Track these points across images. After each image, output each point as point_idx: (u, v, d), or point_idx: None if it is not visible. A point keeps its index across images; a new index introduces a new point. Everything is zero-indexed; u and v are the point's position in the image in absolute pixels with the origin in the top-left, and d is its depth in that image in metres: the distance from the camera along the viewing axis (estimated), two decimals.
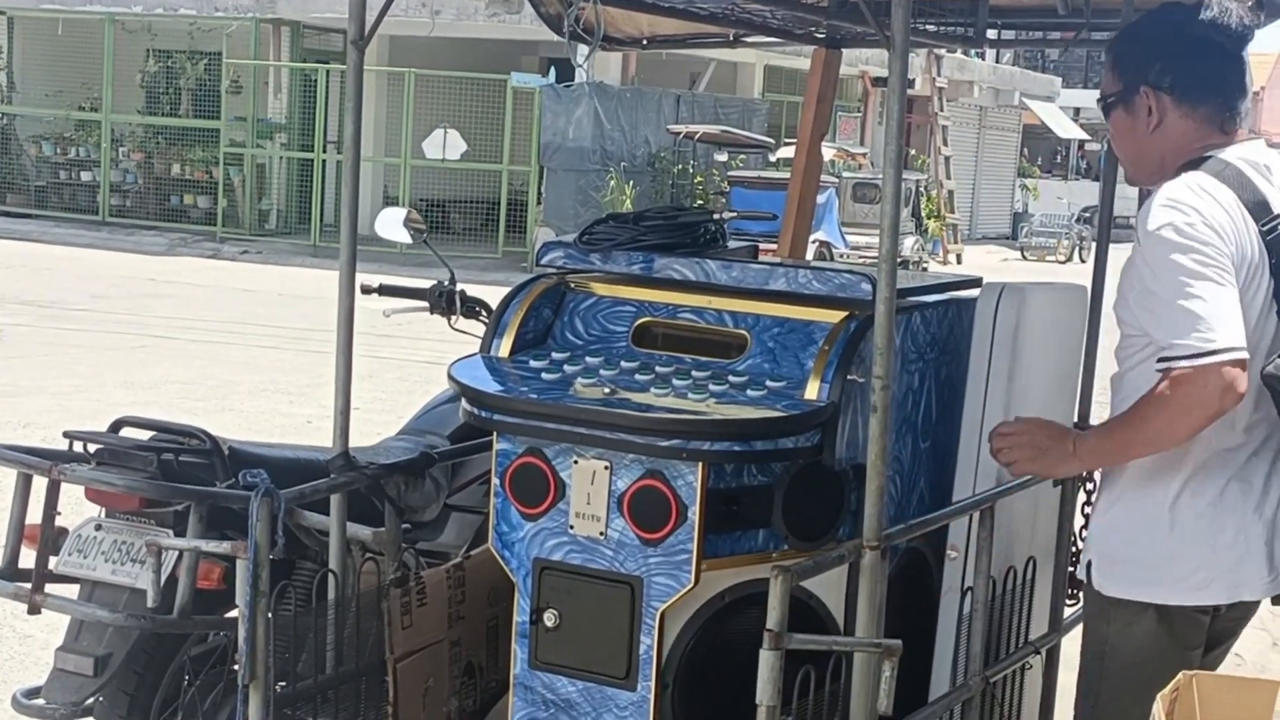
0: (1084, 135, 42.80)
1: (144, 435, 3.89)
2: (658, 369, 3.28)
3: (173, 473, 3.70)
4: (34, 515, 3.64)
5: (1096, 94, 3.34)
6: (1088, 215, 30.71)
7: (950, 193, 29.15)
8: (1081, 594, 3.42)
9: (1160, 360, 2.89)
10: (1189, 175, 3.02)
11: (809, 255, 18.79)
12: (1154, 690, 2.63)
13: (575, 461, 3.15)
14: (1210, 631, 3.17)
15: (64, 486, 3.63)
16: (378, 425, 7.64)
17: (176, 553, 3.53)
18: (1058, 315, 3.75)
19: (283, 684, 3.29)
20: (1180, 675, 2.64)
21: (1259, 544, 3.06)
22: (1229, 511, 3.05)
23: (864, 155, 26.43)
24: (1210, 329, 2.83)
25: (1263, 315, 3.00)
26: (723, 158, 23.43)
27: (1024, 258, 30.00)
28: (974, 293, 3.64)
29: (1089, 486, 3.91)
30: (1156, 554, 3.08)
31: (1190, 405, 2.85)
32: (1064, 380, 3.81)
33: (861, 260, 18.47)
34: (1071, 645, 3.70)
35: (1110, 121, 3.21)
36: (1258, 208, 3.01)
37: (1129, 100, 3.15)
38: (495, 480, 3.26)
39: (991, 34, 4.61)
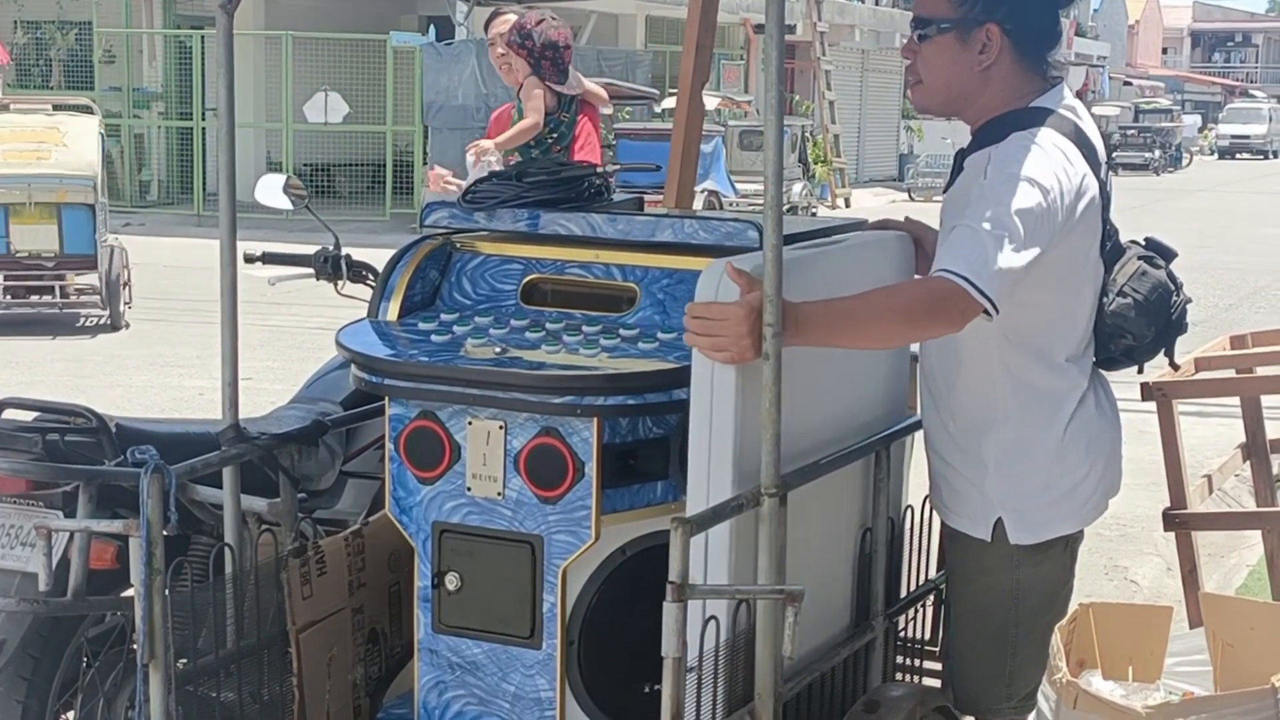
0: None
1: (28, 416, 3.82)
2: (548, 326, 3.27)
3: (59, 453, 3.64)
4: None
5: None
6: None
7: (836, 137, 29.29)
8: (959, 552, 3.38)
9: (941, 269, 2.93)
10: (1050, 135, 3.08)
11: (699, 205, 18.75)
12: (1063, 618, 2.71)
13: (469, 423, 3.13)
14: None
15: None
16: (272, 395, 7.56)
17: (67, 534, 3.48)
18: (829, 277, 3.25)
19: (183, 661, 3.25)
20: (1077, 606, 2.69)
21: (1119, 448, 3.36)
22: (1107, 425, 3.30)
23: (749, 103, 26.45)
24: (994, 279, 2.89)
25: (1094, 262, 3.22)
26: (608, 110, 23.36)
27: (911, 198, 30.26)
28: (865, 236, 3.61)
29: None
30: (1063, 488, 3.24)
31: (931, 315, 2.94)
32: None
33: (751, 208, 18.51)
34: None
35: (929, 45, 3.20)
36: (1095, 162, 3.16)
37: (966, 31, 3.16)
38: (389, 445, 3.23)
39: None
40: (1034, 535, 3.25)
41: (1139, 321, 3.22)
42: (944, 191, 3.39)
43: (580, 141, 6.04)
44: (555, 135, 5.97)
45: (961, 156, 3.30)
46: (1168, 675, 2.78)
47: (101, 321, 12.78)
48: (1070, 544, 3.30)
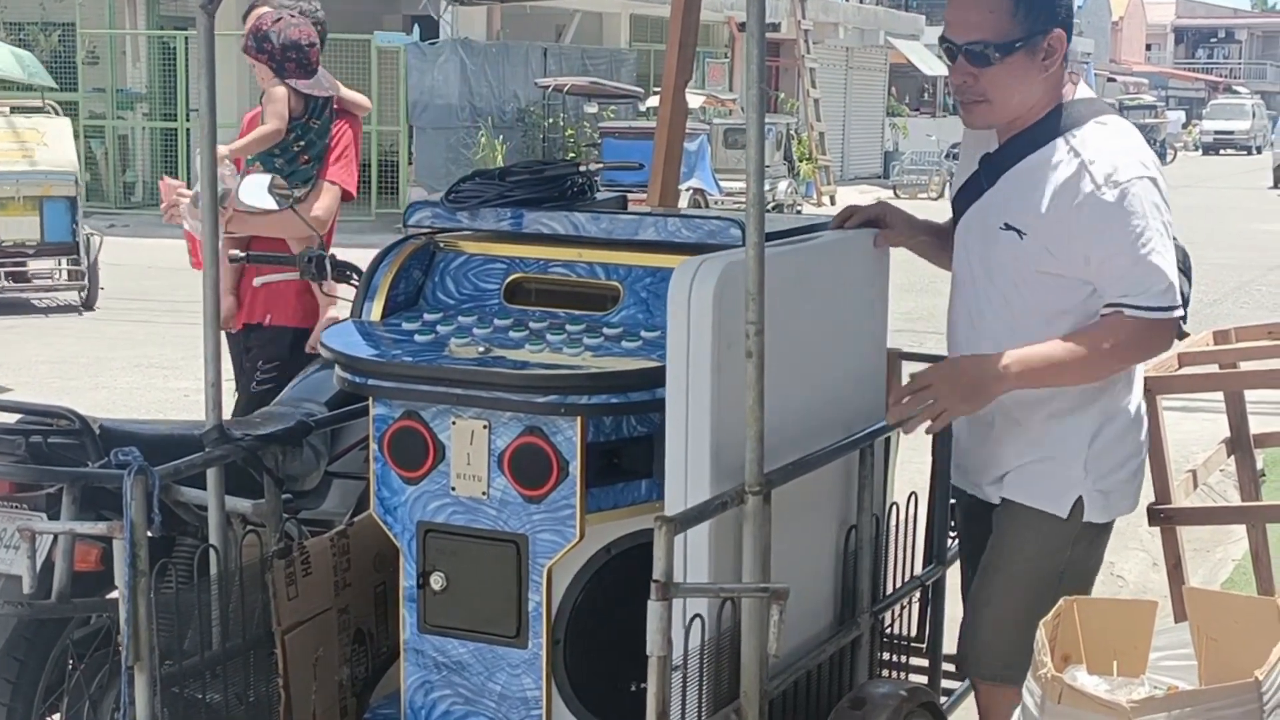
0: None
1: (11, 419, 3.81)
2: (531, 325, 3.26)
3: (42, 455, 3.63)
4: None
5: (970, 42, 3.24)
6: (956, 151, 31.02)
7: (821, 135, 29.32)
8: (1020, 529, 3.36)
9: (1114, 305, 3.14)
10: (1118, 122, 3.25)
11: (683, 203, 18.71)
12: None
13: (453, 422, 3.12)
14: None
15: None
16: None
17: (51, 536, 3.47)
18: (804, 276, 3.28)
19: (169, 662, 3.24)
20: (1061, 601, 2.69)
21: None
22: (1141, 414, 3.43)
23: (734, 101, 26.46)
24: (1172, 288, 3.14)
25: None
26: (593, 110, 23.38)
27: (896, 196, 30.26)
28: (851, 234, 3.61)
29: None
30: (1132, 468, 3.39)
31: (1143, 349, 3.24)
32: (846, 343, 3.50)
33: (736, 206, 18.51)
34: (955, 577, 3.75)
35: (1000, 66, 3.21)
36: None
37: (1035, 43, 3.20)
38: (374, 445, 3.23)
39: None
40: (1106, 514, 3.35)
41: (1184, 282, 3.31)
42: (959, 188, 3.44)
43: (337, 153, 5.30)
44: (303, 143, 5.26)
45: (992, 158, 3.34)
46: (1152, 670, 2.78)
47: (81, 299, 13.96)
48: (1111, 527, 3.42)
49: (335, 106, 5.35)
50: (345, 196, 5.30)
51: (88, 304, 13.89)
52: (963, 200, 3.44)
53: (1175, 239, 3.28)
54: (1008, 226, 3.25)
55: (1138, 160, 3.18)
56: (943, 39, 3.31)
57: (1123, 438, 3.34)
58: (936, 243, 3.63)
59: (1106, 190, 3.13)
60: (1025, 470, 3.35)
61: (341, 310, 4.70)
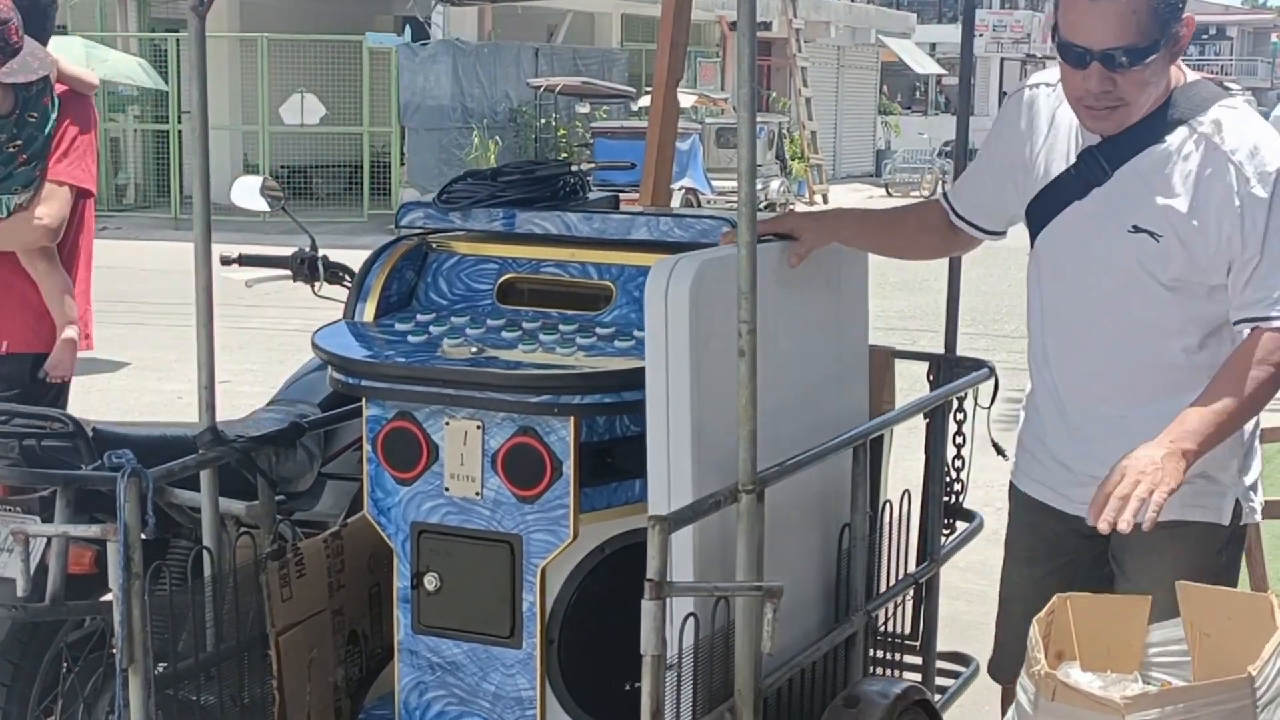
0: (941, 70, 43.22)
1: (4, 422, 3.80)
2: (524, 325, 3.27)
3: (36, 458, 3.62)
4: None
5: (1116, 49, 2.88)
6: (948, 149, 31.07)
7: (813, 133, 29.32)
8: (1181, 545, 3.07)
9: (1255, 320, 2.89)
10: (1245, 106, 3.01)
11: (676, 202, 18.72)
12: None
13: (447, 423, 3.12)
14: None
15: None
16: (249, 397, 7.54)
17: (45, 539, 3.46)
18: (783, 273, 3.25)
19: (163, 665, 3.24)
20: (1054, 598, 2.69)
21: None
22: None
23: (725, 100, 26.46)
24: None
25: None
26: (585, 109, 23.38)
27: (889, 194, 30.30)
28: None
29: (959, 416, 3.96)
30: (1258, 454, 3.20)
31: None
32: (823, 347, 3.46)
33: (728, 205, 18.52)
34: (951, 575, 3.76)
35: (1143, 67, 2.89)
36: None
37: (1174, 38, 2.91)
38: (367, 446, 3.23)
39: None
40: (1256, 513, 3.21)
41: None
42: (1042, 190, 3.11)
43: (64, 147, 4.41)
44: (20, 142, 4.33)
45: (1097, 152, 3.02)
46: (1146, 666, 2.78)
47: None
48: None
49: (59, 91, 4.49)
50: (83, 194, 4.52)
51: None
52: (1054, 200, 3.11)
53: None
54: (1137, 229, 2.96)
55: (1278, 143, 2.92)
56: (1067, 44, 2.92)
57: (1249, 428, 3.10)
58: (866, 230, 3.50)
59: (1258, 186, 2.88)
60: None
61: (72, 332, 4.45)
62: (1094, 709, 2.45)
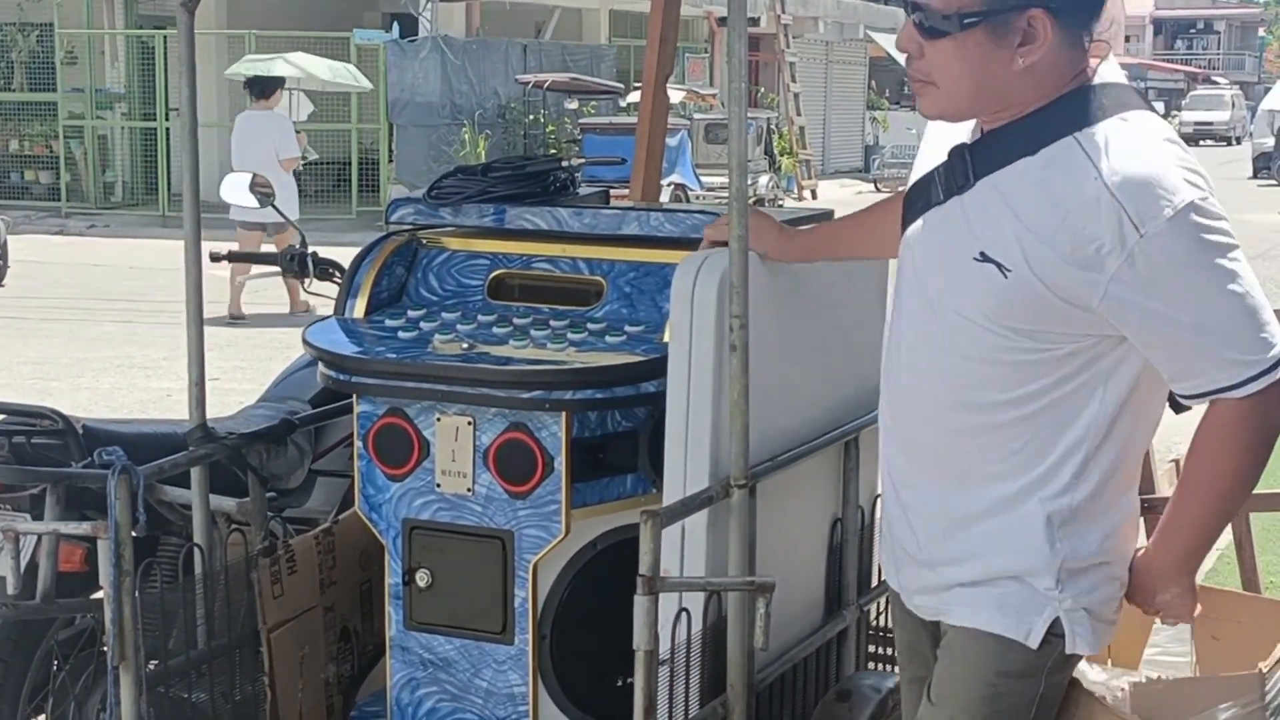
0: None
1: None
2: (515, 321, 3.26)
3: (25, 455, 3.62)
4: None
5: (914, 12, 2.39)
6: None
7: (802, 129, 29.30)
8: (969, 650, 2.50)
9: (1198, 396, 2.33)
10: (1151, 123, 2.36)
11: (665, 198, 18.69)
12: None
13: (438, 419, 3.12)
14: None
15: None
16: (239, 394, 7.54)
17: (35, 537, 3.46)
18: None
19: (154, 662, 3.24)
20: None
21: None
22: None
23: (714, 96, 26.45)
24: (1267, 341, 2.28)
25: None
26: (573, 105, 23.34)
27: (878, 189, 30.29)
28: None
29: None
30: (1118, 560, 2.52)
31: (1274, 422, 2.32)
32: (832, 350, 3.39)
33: (717, 200, 18.52)
34: None
35: (949, 43, 2.34)
36: None
37: (1003, 22, 2.30)
38: (358, 443, 3.22)
39: None
40: (1088, 647, 2.52)
41: None
42: (915, 184, 2.57)
43: None
44: None
45: (967, 152, 2.44)
46: (1147, 664, 2.79)
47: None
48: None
49: None
50: None
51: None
52: (918, 199, 2.54)
53: None
54: (985, 257, 2.34)
55: (1180, 176, 2.28)
56: None
57: (1095, 518, 2.44)
58: (844, 239, 3.08)
59: (1148, 225, 2.23)
60: (974, 590, 2.48)
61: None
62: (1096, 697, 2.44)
